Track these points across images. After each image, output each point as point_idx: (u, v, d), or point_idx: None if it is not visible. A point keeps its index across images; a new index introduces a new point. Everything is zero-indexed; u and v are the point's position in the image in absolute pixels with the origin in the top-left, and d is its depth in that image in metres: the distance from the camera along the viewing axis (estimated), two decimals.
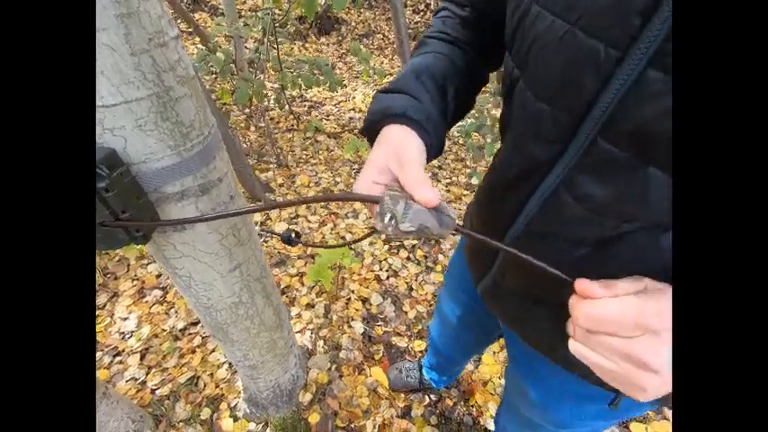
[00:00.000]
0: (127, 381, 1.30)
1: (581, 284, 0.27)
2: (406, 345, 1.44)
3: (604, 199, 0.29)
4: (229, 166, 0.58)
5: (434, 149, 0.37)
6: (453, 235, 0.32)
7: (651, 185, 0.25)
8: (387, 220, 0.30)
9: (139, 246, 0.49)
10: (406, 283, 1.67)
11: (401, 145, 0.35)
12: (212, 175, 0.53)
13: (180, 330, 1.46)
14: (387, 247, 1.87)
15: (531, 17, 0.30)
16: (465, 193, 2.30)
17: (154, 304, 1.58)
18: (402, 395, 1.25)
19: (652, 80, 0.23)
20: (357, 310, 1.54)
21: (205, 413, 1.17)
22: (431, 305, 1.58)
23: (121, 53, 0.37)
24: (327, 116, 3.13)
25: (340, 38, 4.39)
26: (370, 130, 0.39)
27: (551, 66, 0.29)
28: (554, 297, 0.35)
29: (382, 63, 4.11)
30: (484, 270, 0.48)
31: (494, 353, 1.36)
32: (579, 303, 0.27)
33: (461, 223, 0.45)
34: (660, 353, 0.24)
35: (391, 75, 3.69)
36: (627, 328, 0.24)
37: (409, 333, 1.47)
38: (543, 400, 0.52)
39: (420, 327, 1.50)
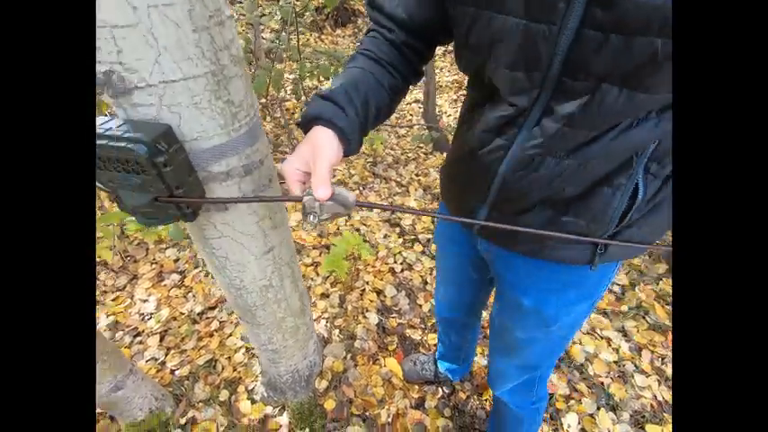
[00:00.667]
0: (147, 360, 1.33)
1: None
2: (420, 337, 1.44)
3: (577, 114, 0.41)
4: (269, 149, 0.59)
5: (352, 149, 0.48)
6: (358, 208, 0.41)
7: (605, 95, 0.38)
8: (311, 218, 0.42)
9: (174, 225, 0.49)
10: (421, 276, 1.68)
11: (320, 146, 0.43)
12: (255, 157, 0.53)
13: (198, 314, 1.49)
14: (401, 240, 1.87)
15: (483, 20, 0.41)
16: None
17: (172, 288, 1.61)
18: (416, 386, 1.26)
19: (586, 35, 0.35)
20: (371, 301, 1.55)
21: (223, 395, 1.19)
22: None
23: (185, 29, 0.38)
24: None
25: (356, 30, 4.36)
26: (305, 126, 0.47)
27: (514, 47, 0.40)
28: (548, 193, 0.49)
29: None
30: (474, 211, 0.58)
31: None
32: None
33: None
34: None
35: None
36: None
37: (423, 326, 1.47)
38: (535, 303, 0.63)
39: (434, 320, 1.50)
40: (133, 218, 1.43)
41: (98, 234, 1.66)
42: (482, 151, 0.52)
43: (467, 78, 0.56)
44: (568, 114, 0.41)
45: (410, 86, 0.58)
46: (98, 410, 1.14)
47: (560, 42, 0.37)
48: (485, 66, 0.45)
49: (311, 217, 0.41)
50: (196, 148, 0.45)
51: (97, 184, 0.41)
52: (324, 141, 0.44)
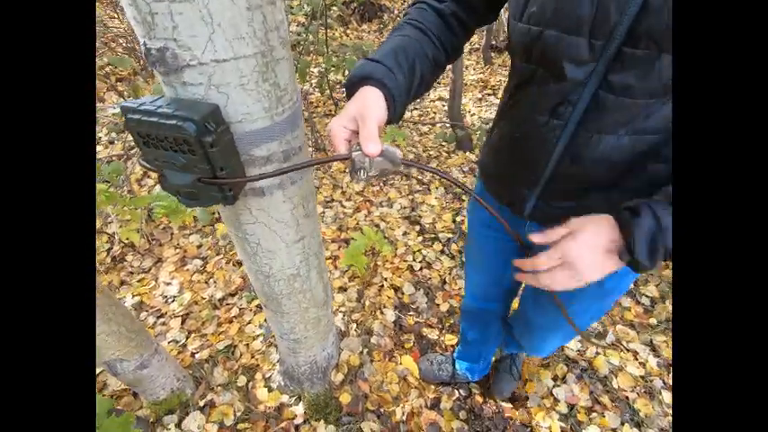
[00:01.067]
0: (169, 342, 1.36)
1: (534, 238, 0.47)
2: (436, 337, 1.42)
3: (635, 85, 0.41)
4: (305, 136, 0.58)
5: (397, 114, 0.48)
6: (405, 167, 0.44)
7: (663, 65, 0.38)
8: (361, 173, 0.42)
9: (203, 210, 0.48)
10: (440, 275, 1.65)
11: (369, 104, 0.44)
12: (295, 143, 0.52)
13: (218, 300, 1.51)
14: (421, 238, 1.85)
15: None
16: None
17: (194, 273, 1.64)
18: (432, 386, 1.25)
19: (653, 3, 0.36)
20: (389, 297, 1.54)
21: (241, 380, 1.20)
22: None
23: (239, 6, 0.37)
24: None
25: (381, 26, 4.34)
26: (351, 88, 0.48)
27: (581, 11, 0.40)
28: (602, 172, 0.49)
29: None
30: (524, 197, 0.59)
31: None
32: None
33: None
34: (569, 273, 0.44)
35: None
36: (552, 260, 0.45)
37: (441, 326, 1.45)
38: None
39: (452, 321, 1.48)
40: (161, 202, 1.45)
41: (126, 217, 1.72)
42: (533, 134, 0.51)
43: (511, 60, 0.55)
44: (626, 86, 0.41)
45: (448, 64, 0.59)
46: (123, 387, 1.17)
47: (628, 10, 0.37)
48: (540, 37, 0.45)
49: (361, 173, 0.42)
50: (240, 131, 0.45)
51: (143, 161, 0.41)
52: (372, 101, 0.44)
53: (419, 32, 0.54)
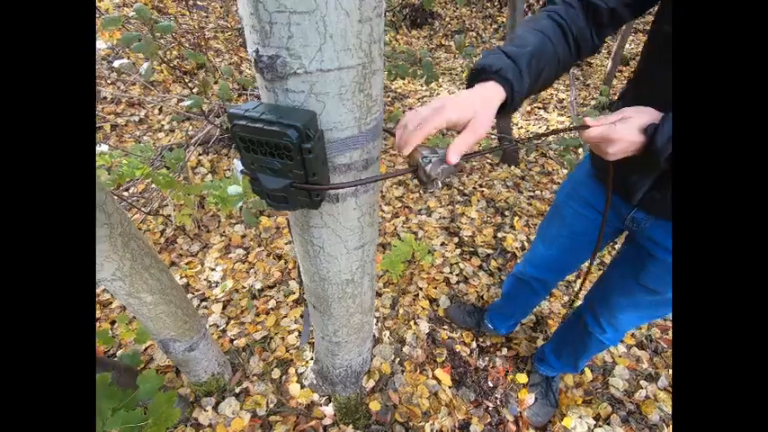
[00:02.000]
0: (210, 326, 1.42)
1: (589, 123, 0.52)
2: (468, 354, 1.38)
3: None
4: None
5: (506, 112, 0.50)
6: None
7: None
8: (436, 184, 0.44)
9: (246, 210, 0.48)
10: (477, 292, 1.60)
11: (488, 113, 0.46)
12: (374, 152, 0.52)
13: (258, 290, 1.56)
14: (459, 251, 1.81)
15: None
16: (546, 207, 2.14)
17: (237, 261, 1.71)
18: (463, 407, 1.21)
19: None
20: (424, 308, 1.51)
21: (275, 373, 1.23)
22: None
23: (352, 19, 0.37)
24: (409, 109, 3.12)
25: (431, 32, 4.33)
26: (480, 74, 0.49)
27: None
28: None
29: (473, 61, 3.97)
30: (637, 182, 0.64)
31: (566, 388, 1.25)
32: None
33: None
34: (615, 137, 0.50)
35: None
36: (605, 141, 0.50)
37: (474, 345, 1.40)
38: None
39: (488, 343, 1.43)
40: (215, 191, 1.50)
41: (180, 202, 1.83)
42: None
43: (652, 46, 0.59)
44: None
45: (577, 61, 0.60)
46: (166, 363, 1.24)
47: None
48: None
49: (436, 183, 0.43)
50: (329, 139, 0.45)
51: (238, 164, 0.43)
52: (491, 110, 0.46)
53: (559, 31, 0.55)
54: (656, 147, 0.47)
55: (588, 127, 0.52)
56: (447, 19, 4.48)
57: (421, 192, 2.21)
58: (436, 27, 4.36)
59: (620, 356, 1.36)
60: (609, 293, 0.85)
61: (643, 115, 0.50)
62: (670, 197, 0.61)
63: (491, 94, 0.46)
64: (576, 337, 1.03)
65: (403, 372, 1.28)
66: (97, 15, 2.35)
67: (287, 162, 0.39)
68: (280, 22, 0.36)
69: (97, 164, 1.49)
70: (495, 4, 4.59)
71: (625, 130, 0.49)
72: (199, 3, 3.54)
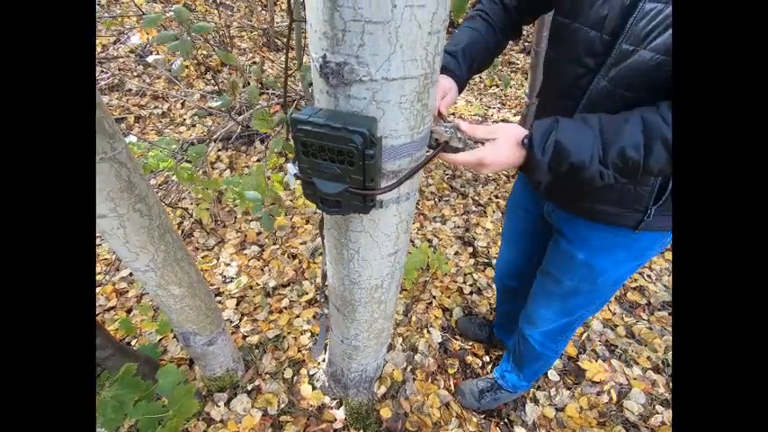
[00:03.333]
0: (224, 320, 1.43)
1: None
2: (479, 366, 1.37)
3: (621, 77, 0.56)
4: None
5: (460, 91, 0.68)
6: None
7: (643, 61, 0.52)
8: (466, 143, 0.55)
9: (266, 214, 0.49)
10: (490, 304, 1.59)
11: (447, 89, 0.64)
12: (420, 161, 0.53)
13: (271, 288, 1.57)
14: (473, 261, 1.80)
15: None
16: None
17: (252, 258, 1.72)
18: (474, 419, 1.19)
19: (648, 8, 0.50)
20: (437, 317, 1.50)
21: (287, 373, 1.23)
22: None
23: (424, 30, 0.38)
24: None
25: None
26: None
27: (599, 11, 0.55)
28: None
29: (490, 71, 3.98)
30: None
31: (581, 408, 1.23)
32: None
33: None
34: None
35: (497, 86, 3.56)
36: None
37: (487, 358, 1.39)
38: (588, 257, 0.76)
39: (498, 353, 1.41)
40: (235, 187, 1.51)
41: (198, 196, 1.85)
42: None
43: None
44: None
45: (509, 41, 0.79)
46: (180, 356, 1.25)
47: (631, 9, 0.52)
48: (566, 29, 0.61)
49: (457, 140, 0.54)
50: (384, 145, 0.45)
51: (292, 168, 0.43)
52: (452, 86, 0.65)
53: (487, 26, 0.72)
54: (536, 158, 0.52)
55: (458, 150, 0.55)
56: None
57: (436, 198, 2.21)
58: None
59: (635, 379, 1.33)
60: (534, 287, 0.94)
61: (511, 132, 0.54)
62: (561, 187, 0.73)
63: (443, 80, 0.64)
64: (517, 339, 1.08)
65: (414, 380, 1.27)
66: (138, 14, 2.41)
67: (347, 167, 0.40)
68: (353, 31, 0.36)
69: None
70: None
71: (496, 156, 0.53)
72: (225, 1, 3.61)
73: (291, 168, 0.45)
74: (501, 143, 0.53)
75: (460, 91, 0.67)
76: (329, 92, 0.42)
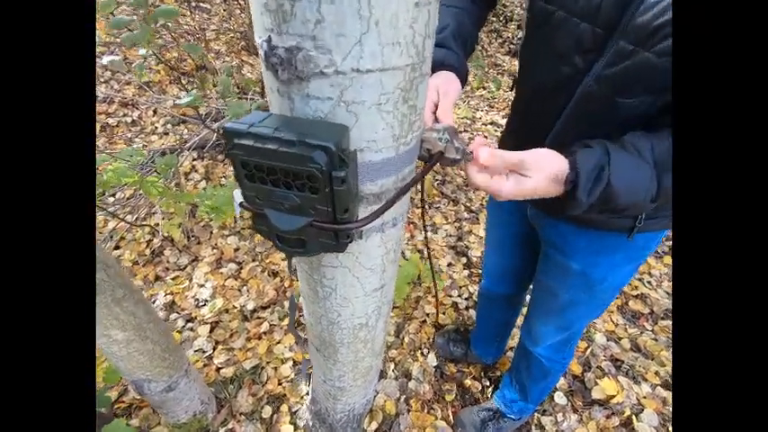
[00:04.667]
0: (195, 351, 1.28)
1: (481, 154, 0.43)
2: (479, 390, 1.25)
3: (617, 81, 0.46)
4: None
5: (463, 83, 0.57)
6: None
7: (646, 64, 0.43)
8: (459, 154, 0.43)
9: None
10: None
11: (451, 81, 0.54)
12: (407, 179, 0.41)
13: (250, 311, 1.43)
14: (467, 272, 1.70)
15: None
16: None
17: (228, 278, 1.58)
18: None
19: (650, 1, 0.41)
20: (430, 338, 1.39)
21: (266, 411, 1.09)
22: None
23: (408, 0, 0.26)
24: None
25: None
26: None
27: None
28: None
29: (485, 71, 3.93)
30: None
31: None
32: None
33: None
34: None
35: (485, 88, 3.51)
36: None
37: (488, 382, 1.28)
38: (583, 266, 0.68)
39: (498, 374, 1.31)
40: (207, 201, 1.38)
41: (170, 210, 1.70)
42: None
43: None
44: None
45: (488, 12, 0.70)
46: (143, 398, 1.10)
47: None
48: (549, 19, 0.50)
49: (454, 150, 0.42)
50: (359, 161, 0.34)
51: (237, 195, 0.31)
52: (452, 84, 0.53)
53: (467, 1, 0.62)
54: (579, 201, 0.42)
55: (455, 162, 0.45)
56: None
57: (425, 203, 2.10)
58: None
59: (644, 397, 1.24)
60: (531, 299, 0.87)
61: (548, 167, 0.42)
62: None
63: (446, 77, 0.54)
64: (519, 356, 1.01)
65: (409, 411, 1.15)
66: None
67: (309, 195, 0.28)
68: (306, 0, 0.25)
69: None
70: (501, 19, 4.60)
71: (535, 190, 0.43)
72: (202, 4, 3.46)
73: (237, 196, 0.33)
74: (534, 181, 0.42)
75: (463, 85, 0.56)
76: (280, 90, 0.31)
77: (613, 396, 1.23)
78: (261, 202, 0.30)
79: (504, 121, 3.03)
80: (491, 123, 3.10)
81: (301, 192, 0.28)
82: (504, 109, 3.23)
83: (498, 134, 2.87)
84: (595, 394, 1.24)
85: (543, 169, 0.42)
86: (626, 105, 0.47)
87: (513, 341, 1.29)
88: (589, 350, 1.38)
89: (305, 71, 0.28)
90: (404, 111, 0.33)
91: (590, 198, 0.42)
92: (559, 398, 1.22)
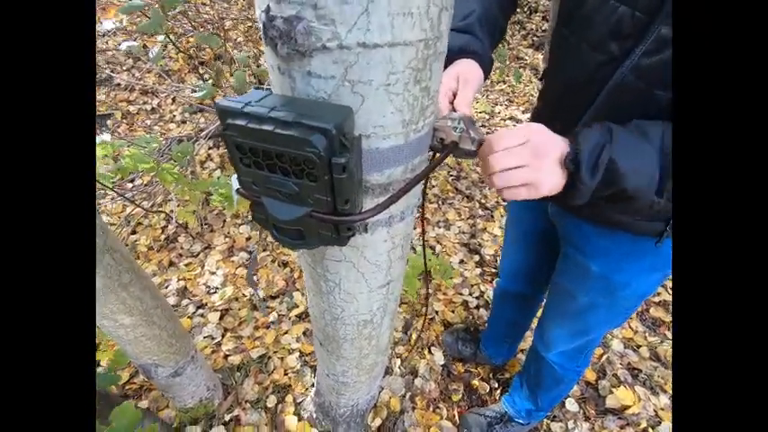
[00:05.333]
0: (204, 337, 1.30)
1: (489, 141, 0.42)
2: (486, 392, 1.22)
3: (657, 72, 0.42)
4: None
5: (487, 73, 0.54)
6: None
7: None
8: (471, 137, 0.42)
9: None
10: None
11: (472, 70, 0.51)
12: (419, 169, 0.38)
13: (260, 300, 1.44)
14: (479, 271, 1.65)
15: None
16: None
17: (239, 266, 1.59)
18: None
19: None
20: (439, 335, 1.36)
21: (271, 401, 1.10)
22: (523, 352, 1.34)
23: None
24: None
25: None
26: (448, 60, 0.51)
27: None
28: None
29: (506, 64, 3.80)
30: None
31: None
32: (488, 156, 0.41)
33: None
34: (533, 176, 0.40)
35: (505, 82, 3.39)
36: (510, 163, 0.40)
37: (496, 384, 1.24)
38: (603, 269, 0.64)
39: (507, 375, 1.27)
40: (222, 189, 1.38)
41: (185, 197, 1.72)
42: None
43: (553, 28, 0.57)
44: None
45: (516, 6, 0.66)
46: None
47: None
48: (583, 3, 0.47)
49: (469, 140, 0.41)
50: (364, 149, 0.31)
51: (234, 182, 0.29)
52: (474, 73, 0.50)
53: None
54: (582, 181, 0.40)
55: (471, 153, 0.43)
56: None
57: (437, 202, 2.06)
58: None
59: (662, 409, 1.18)
60: (547, 301, 0.84)
61: (543, 143, 0.40)
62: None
63: (467, 64, 0.51)
64: (531, 360, 0.97)
65: (414, 409, 1.13)
66: None
67: (307, 183, 0.26)
68: None
69: (98, 153, 1.38)
70: (525, 10, 4.43)
71: (547, 184, 0.41)
72: None
73: (234, 182, 0.31)
74: (545, 142, 0.41)
75: (487, 75, 0.53)
76: (281, 68, 0.28)
77: (629, 406, 1.17)
78: (257, 189, 0.27)
79: (524, 117, 2.93)
80: (510, 118, 3.00)
81: (299, 179, 0.25)
82: (524, 104, 3.12)
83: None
84: (610, 403, 1.19)
85: (541, 146, 0.40)
86: (663, 100, 0.43)
87: (526, 344, 1.25)
88: (605, 357, 1.32)
89: (305, 45, 0.25)
90: (415, 93, 0.30)
91: (594, 178, 0.39)
92: (571, 404, 1.18)
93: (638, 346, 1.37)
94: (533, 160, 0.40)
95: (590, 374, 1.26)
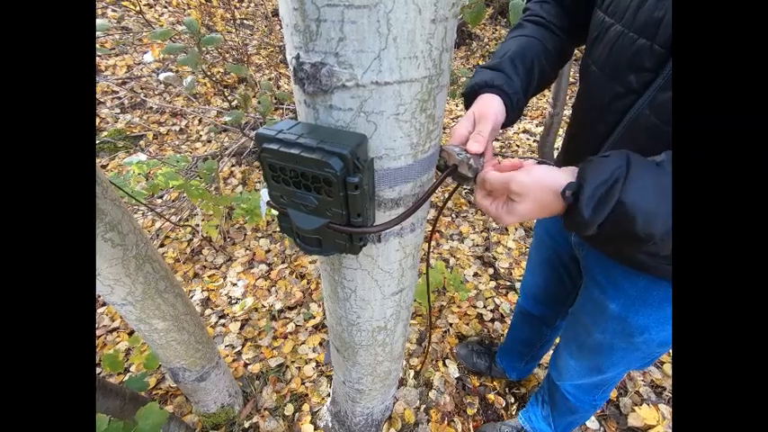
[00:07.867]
0: (225, 346, 1.35)
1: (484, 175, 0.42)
2: (503, 407, 1.21)
3: (670, 108, 0.41)
4: None
5: (514, 115, 0.51)
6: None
7: None
8: (471, 169, 0.42)
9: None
10: None
11: (490, 104, 0.48)
12: (425, 186, 0.42)
13: (277, 311, 1.49)
14: (494, 284, 1.65)
15: None
16: None
17: (259, 278, 1.65)
18: None
19: None
20: (453, 348, 1.36)
21: (288, 409, 1.13)
22: (543, 369, 1.32)
23: (424, 18, 0.28)
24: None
25: (469, 53, 4.28)
26: (471, 96, 0.52)
27: (652, 11, 0.40)
28: None
29: None
30: None
31: None
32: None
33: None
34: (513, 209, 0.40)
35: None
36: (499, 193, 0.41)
37: (513, 399, 1.23)
38: (622, 310, 0.59)
39: (523, 391, 1.25)
40: (244, 204, 1.46)
41: (209, 212, 1.82)
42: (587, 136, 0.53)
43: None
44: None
45: (576, 47, 0.63)
46: (177, 387, 1.17)
47: None
48: (606, 32, 0.47)
49: (467, 167, 0.42)
50: (377, 168, 0.36)
51: (264, 194, 0.34)
52: (493, 103, 0.48)
53: (540, 28, 0.57)
54: (581, 216, 0.35)
55: (467, 179, 0.43)
56: (485, 40, 4.43)
57: (451, 213, 2.08)
58: (474, 48, 4.31)
59: None
60: (564, 329, 0.81)
61: (534, 187, 0.37)
62: None
63: (486, 99, 0.49)
64: (547, 384, 0.94)
65: (429, 421, 1.13)
66: (147, 31, 2.48)
67: (325, 198, 0.30)
68: (330, 20, 0.27)
69: (134, 172, 1.50)
70: None
71: (531, 214, 0.39)
72: (246, 22, 3.72)
73: (264, 194, 0.36)
74: (524, 207, 0.39)
75: (515, 112, 0.50)
76: (307, 102, 0.33)
77: (653, 426, 1.13)
78: (284, 201, 0.32)
79: (538, 130, 2.94)
80: (524, 132, 3.02)
81: (319, 194, 0.30)
82: (537, 117, 3.14)
83: (531, 143, 2.79)
84: (632, 422, 1.15)
85: (529, 193, 0.37)
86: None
87: (545, 360, 1.23)
88: (626, 374, 1.28)
89: (328, 84, 0.30)
90: (421, 120, 0.35)
91: (596, 215, 0.35)
92: (591, 422, 1.15)
93: (662, 363, 1.32)
94: (505, 206, 0.40)
95: (611, 391, 1.23)
